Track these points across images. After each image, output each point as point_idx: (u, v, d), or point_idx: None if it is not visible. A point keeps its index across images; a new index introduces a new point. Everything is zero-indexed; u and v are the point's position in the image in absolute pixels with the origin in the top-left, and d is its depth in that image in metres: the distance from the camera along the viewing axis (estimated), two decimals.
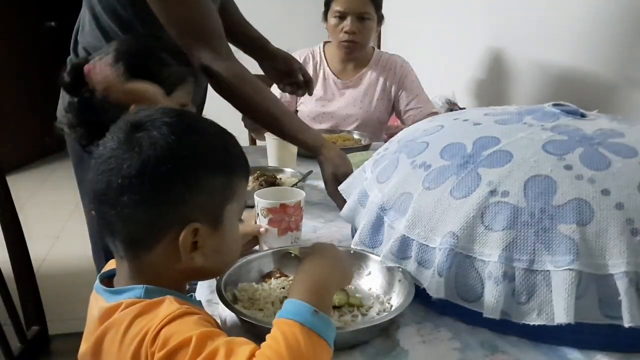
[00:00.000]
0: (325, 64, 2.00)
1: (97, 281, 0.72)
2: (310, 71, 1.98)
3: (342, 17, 1.87)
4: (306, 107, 1.98)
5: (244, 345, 0.58)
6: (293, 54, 1.92)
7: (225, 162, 0.70)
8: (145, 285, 0.66)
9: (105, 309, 0.67)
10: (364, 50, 1.99)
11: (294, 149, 1.55)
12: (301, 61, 1.95)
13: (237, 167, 0.72)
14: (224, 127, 0.74)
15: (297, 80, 1.61)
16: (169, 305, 0.63)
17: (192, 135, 0.68)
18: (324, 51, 2.02)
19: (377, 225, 0.91)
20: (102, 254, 1.34)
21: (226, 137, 0.73)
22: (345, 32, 1.87)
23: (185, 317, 0.62)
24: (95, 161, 0.67)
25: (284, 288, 0.87)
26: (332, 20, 1.90)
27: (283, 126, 1.26)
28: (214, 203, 0.68)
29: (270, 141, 1.56)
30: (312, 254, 0.75)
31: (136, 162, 0.63)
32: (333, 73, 1.99)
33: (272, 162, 1.59)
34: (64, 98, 1.25)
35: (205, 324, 0.62)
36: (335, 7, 1.88)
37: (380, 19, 1.94)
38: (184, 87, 1.17)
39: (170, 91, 1.14)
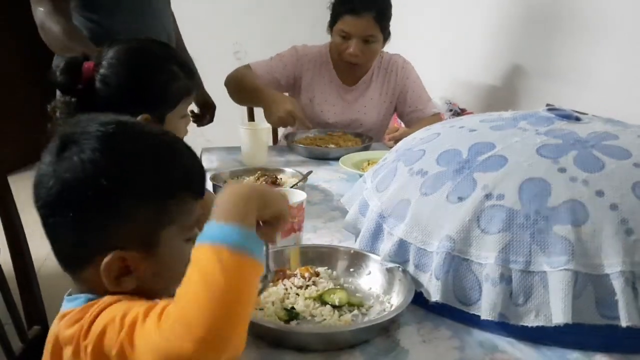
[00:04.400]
0: (331, 67, 1.93)
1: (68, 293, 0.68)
2: (317, 71, 1.93)
3: (346, 37, 1.79)
4: (308, 109, 1.91)
5: (161, 303, 0.56)
6: (303, 48, 1.93)
7: (159, 187, 0.64)
8: (87, 295, 0.63)
9: (58, 317, 0.65)
10: None
11: (264, 137, 1.60)
12: (309, 59, 1.92)
13: (176, 189, 0.65)
14: (172, 139, 0.68)
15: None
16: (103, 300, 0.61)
17: (118, 163, 0.63)
18: (329, 53, 1.94)
19: (377, 233, 0.91)
20: None
21: (168, 156, 0.66)
22: (349, 54, 1.80)
23: (115, 304, 0.59)
24: (36, 175, 0.64)
25: (285, 289, 0.88)
26: (337, 38, 1.82)
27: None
28: (144, 230, 0.63)
29: (242, 131, 1.60)
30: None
31: (57, 186, 0.62)
32: (337, 77, 1.94)
33: (244, 150, 1.63)
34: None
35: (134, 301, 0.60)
36: (341, 26, 1.78)
37: (387, 37, 1.85)
38: (187, 100, 1.16)
39: (174, 105, 1.12)
